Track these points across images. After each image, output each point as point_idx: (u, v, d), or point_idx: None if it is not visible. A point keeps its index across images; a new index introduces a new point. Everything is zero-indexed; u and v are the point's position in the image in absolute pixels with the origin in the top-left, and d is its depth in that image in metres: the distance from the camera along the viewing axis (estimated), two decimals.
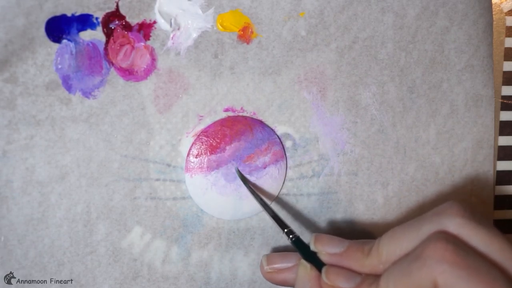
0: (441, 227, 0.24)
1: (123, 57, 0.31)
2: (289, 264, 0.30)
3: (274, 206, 0.34)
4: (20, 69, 0.30)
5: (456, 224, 0.24)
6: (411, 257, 0.23)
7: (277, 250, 0.34)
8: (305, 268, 0.27)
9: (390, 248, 0.25)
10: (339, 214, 0.35)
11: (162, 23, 0.31)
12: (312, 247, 0.28)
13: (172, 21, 0.31)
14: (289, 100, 0.33)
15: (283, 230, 0.29)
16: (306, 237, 0.34)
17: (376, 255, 0.25)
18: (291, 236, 0.29)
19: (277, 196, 0.34)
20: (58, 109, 0.31)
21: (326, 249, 0.27)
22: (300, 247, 0.28)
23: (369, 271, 0.26)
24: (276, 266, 0.30)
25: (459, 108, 0.35)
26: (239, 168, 0.33)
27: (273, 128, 0.33)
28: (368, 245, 0.26)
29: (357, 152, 0.34)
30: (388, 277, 0.24)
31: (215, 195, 0.32)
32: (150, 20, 0.31)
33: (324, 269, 0.27)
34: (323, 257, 0.27)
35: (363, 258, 0.26)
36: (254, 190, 0.32)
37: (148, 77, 0.32)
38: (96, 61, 0.31)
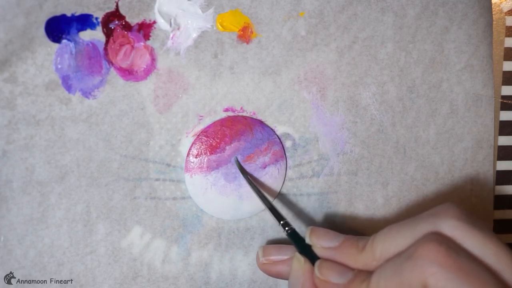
0: (436, 228, 0.24)
1: (123, 57, 0.31)
2: (285, 257, 0.30)
3: None
4: (20, 69, 0.30)
5: (451, 226, 0.24)
6: (403, 256, 0.23)
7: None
8: (299, 261, 0.27)
9: (385, 245, 0.25)
10: (339, 214, 0.35)
11: (162, 23, 0.31)
12: (307, 240, 0.28)
13: (172, 21, 0.31)
14: (289, 100, 0.33)
15: (279, 222, 0.29)
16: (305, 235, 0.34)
17: (370, 252, 0.26)
18: (286, 228, 0.29)
19: (277, 196, 0.34)
20: (58, 109, 0.31)
21: (321, 242, 0.27)
22: (295, 240, 0.28)
23: (362, 267, 0.26)
24: (271, 258, 0.30)
25: (459, 108, 0.35)
26: (240, 161, 0.33)
27: (273, 128, 0.33)
28: (363, 241, 0.27)
29: (357, 152, 0.34)
30: (379, 275, 0.24)
31: (215, 195, 0.32)
32: (150, 20, 0.31)
33: (317, 263, 0.27)
34: (317, 251, 0.27)
35: (357, 254, 0.26)
36: (252, 181, 0.32)
37: (148, 77, 0.32)
38: (96, 61, 0.31)
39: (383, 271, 0.24)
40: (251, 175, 0.33)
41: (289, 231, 0.29)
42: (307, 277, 0.27)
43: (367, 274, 0.25)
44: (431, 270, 0.22)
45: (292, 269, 0.28)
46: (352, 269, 0.26)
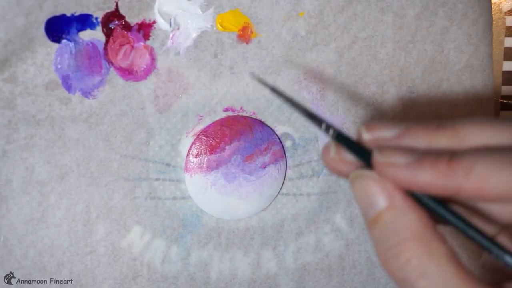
0: None
1: (123, 57, 0.31)
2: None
3: (273, 207, 0.34)
4: (20, 69, 0.30)
5: None
6: None
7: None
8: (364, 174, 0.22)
9: (473, 132, 0.20)
10: (338, 214, 0.35)
11: (161, 23, 0.31)
12: (365, 135, 0.22)
13: (172, 21, 0.31)
14: None
15: (319, 126, 0.23)
16: (305, 235, 0.34)
17: (451, 131, 0.20)
18: (330, 131, 0.22)
19: (276, 196, 0.34)
20: (57, 109, 0.31)
21: (380, 134, 0.22)
22: (344, 143, 0.22)
23: (436, 147, 0.20)
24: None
25: (459, 108, 0.35)
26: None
27: (273, 128, 0.33)
28: (436, 123, 0.21)
29: None
30: (479, 157, 0.19)
31: (215, 195, 0.32)
32: (150, 20, 0.31)
33: (375, 150, 0.21)
34: (379, 143, 0.22)
35: (430, 134, 0.20)
36: (276, 88, 0.25)
37: (148, 77, 0.32)
38: (95, 61, 0.31)
39: (489, 157, 0.19)
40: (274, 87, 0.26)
41: (334, 134, 0.22)
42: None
43: (452, 152, 0.20)
44: None
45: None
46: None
